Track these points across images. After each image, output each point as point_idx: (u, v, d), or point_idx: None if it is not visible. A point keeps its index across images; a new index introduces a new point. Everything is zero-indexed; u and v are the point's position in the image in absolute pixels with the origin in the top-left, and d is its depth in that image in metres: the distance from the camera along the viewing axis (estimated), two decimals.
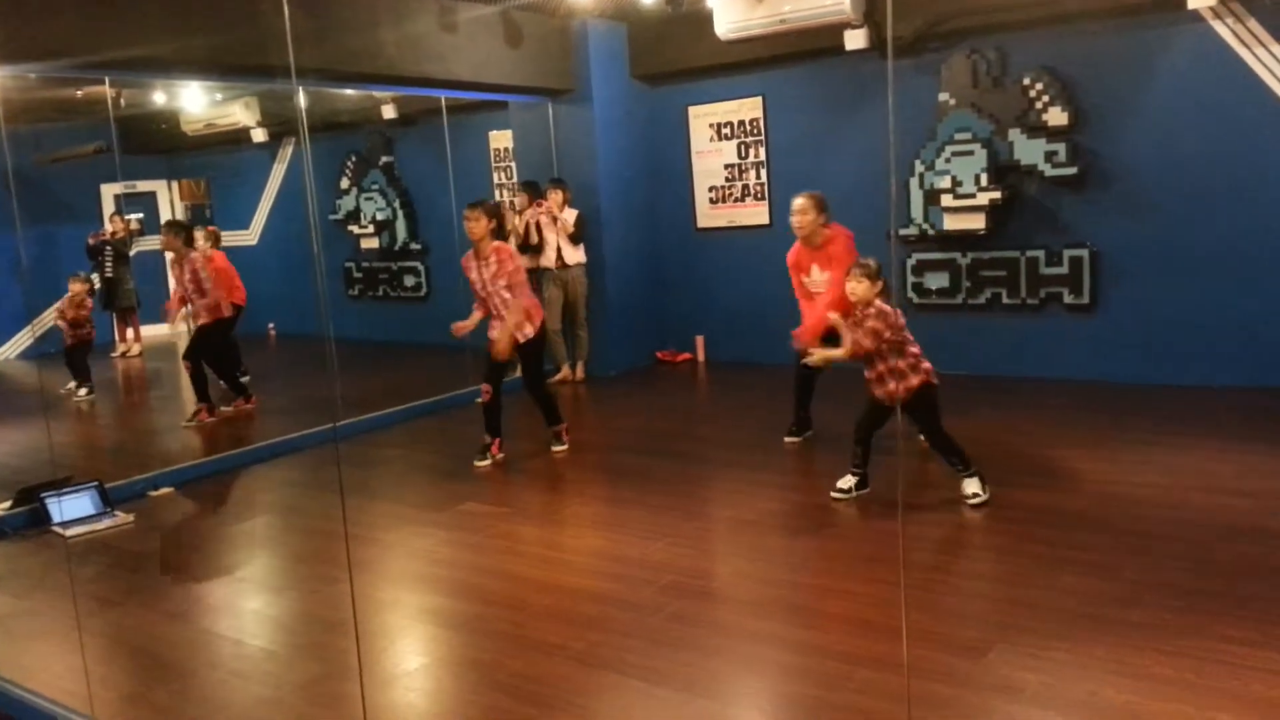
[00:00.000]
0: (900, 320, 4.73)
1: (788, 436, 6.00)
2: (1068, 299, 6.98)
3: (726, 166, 8.51)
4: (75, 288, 8.86)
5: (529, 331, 5.88)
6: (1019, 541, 4.19)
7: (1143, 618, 3.38)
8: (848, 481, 4.87)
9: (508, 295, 5.80)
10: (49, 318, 10.88)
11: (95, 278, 9.57)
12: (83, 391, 8.96)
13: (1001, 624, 3.42)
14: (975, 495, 4.62)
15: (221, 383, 7.89)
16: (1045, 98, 6.77)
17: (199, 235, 8.17)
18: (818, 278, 5.52)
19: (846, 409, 6.07)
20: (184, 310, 7.84)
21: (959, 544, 4.36)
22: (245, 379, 8.27)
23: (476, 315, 6.01)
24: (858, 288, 4.62)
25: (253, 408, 7.90)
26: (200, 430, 7.47)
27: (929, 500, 4.75)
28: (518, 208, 8.27)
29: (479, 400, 6.06)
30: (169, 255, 7.97)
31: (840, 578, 4.05)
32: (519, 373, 6.18)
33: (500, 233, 6.07)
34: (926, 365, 4.64)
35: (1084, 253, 6.86)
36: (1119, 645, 3.20)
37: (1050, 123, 6.75)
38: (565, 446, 6.17)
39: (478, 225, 5.78)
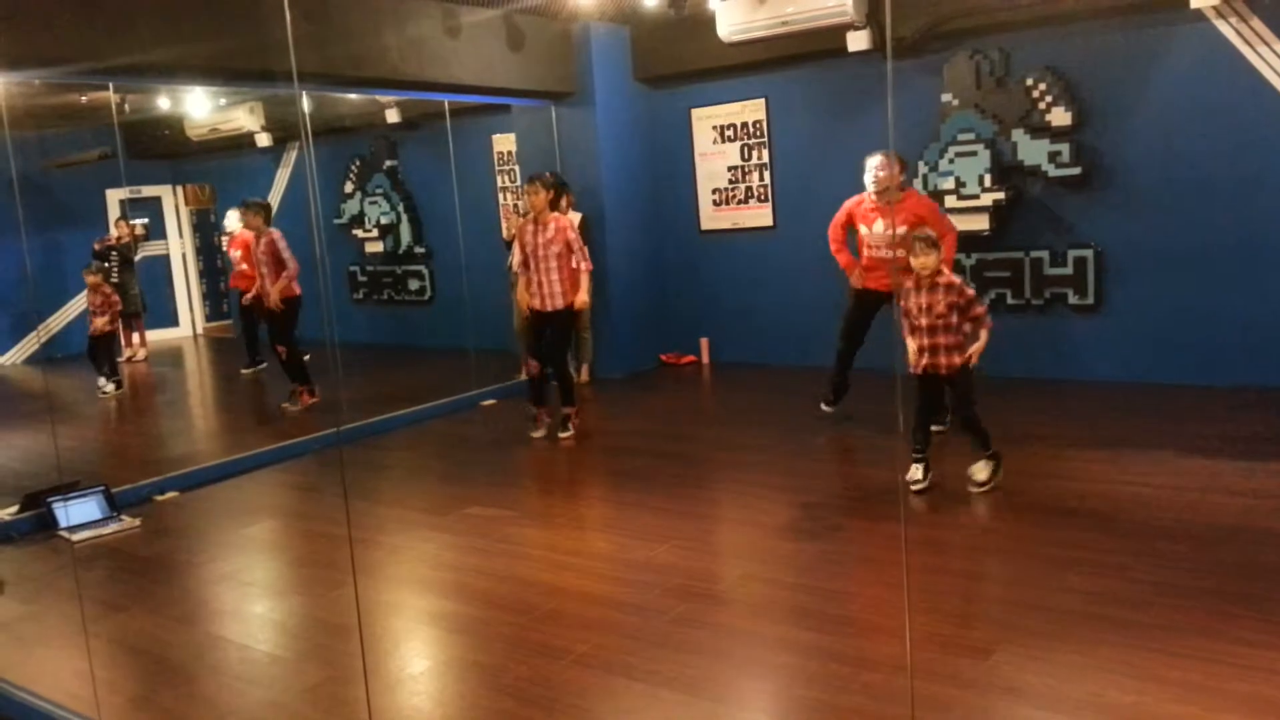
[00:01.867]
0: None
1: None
2: (1072, 299, 6.96)
3: (730, 169, 8.51)
4: (89, 279, 9.03)
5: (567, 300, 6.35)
6: (1024, 542, 4.18)
7: (1149, 618, 3.37)
8: (916, 472, 4.91)
9: (555, 264, 6.22)
10: (55, 322, 10.94)
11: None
12: (110, 387, 9.01)
13: (1007, 625, 3.42)
14: (982, 484, 4.74)
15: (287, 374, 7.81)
16: (1048, 98, 6.75)
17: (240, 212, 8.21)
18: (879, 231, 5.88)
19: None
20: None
21: (963, 545, 4.34)
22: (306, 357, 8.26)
23: (523, 284, 6.39)
24: (928, 260, 4.73)
25: (317, 401, 7.77)
26: (212, 433, 7.49)
27: (934, 501, 4.75)
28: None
29: (527, 376, 6.55)
30: (247, 235, 8.09)
31: (845, 580, 4.04)
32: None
33: (557, 205, 6.57)
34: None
35: (1088, 253, 6.85)
36: (1125, 646, 3.19)
37: (1054, 123, 6.74)
38: (571, 433, 6.47)
39: (537, 197, 6.23)
